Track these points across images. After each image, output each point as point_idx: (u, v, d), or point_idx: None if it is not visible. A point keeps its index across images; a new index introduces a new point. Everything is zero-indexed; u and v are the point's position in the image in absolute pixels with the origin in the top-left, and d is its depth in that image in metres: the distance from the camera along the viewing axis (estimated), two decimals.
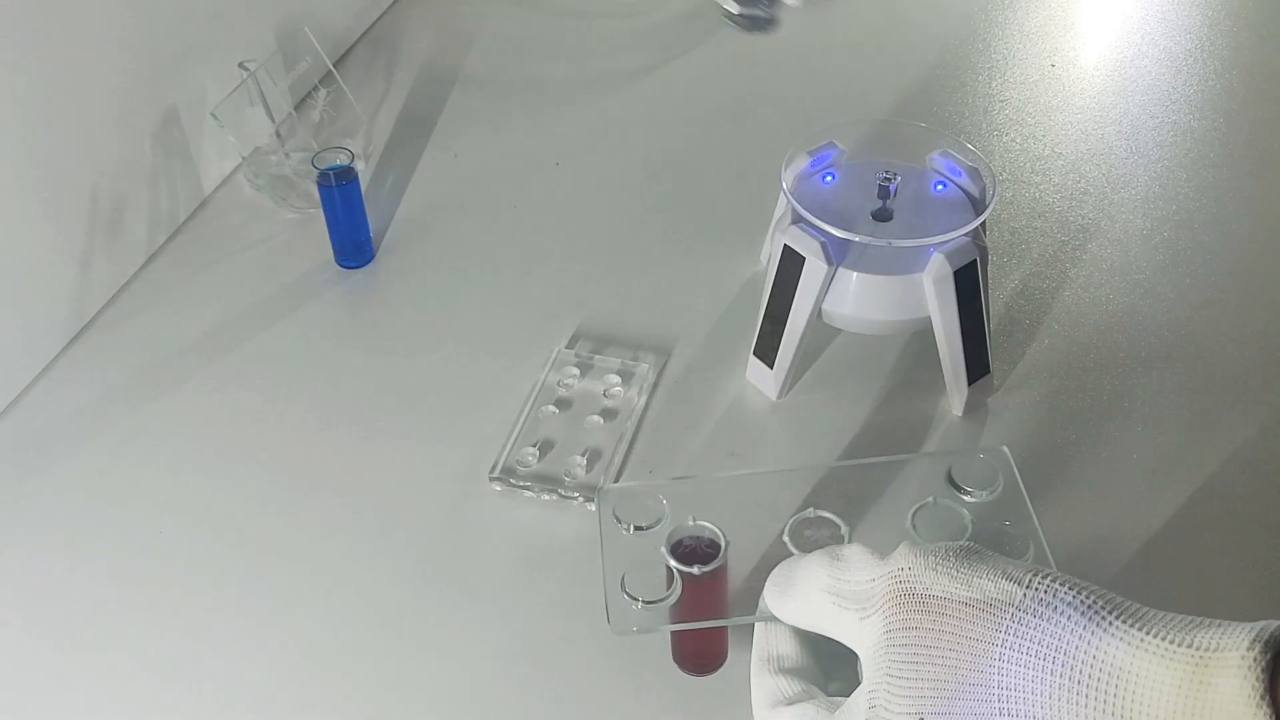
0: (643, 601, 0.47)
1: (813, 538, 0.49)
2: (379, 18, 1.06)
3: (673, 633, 0.51)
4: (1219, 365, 0.71)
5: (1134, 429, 0.67)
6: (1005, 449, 0.52)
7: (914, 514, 0.49)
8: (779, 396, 0.69)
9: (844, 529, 0.49)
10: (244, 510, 0.64)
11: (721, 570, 0.48)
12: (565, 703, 0.55)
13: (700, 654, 0.51)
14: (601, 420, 0.68)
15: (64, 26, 0.70)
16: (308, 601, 0.60)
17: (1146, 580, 0.59)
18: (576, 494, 0.64)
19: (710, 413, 0.69)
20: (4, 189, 0.67)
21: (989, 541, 0.47)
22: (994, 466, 0.51)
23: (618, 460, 0.66)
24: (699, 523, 0.49)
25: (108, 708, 0.56)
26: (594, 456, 0.66)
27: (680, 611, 0.48)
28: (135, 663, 0.57)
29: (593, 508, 0.63)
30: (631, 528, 0.50)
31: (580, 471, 0.65)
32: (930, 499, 0.50)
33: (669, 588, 0.48)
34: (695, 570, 0.47)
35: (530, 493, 0.64)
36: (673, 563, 0.48)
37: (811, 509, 0.49)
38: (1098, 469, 0.65)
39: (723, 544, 0.48)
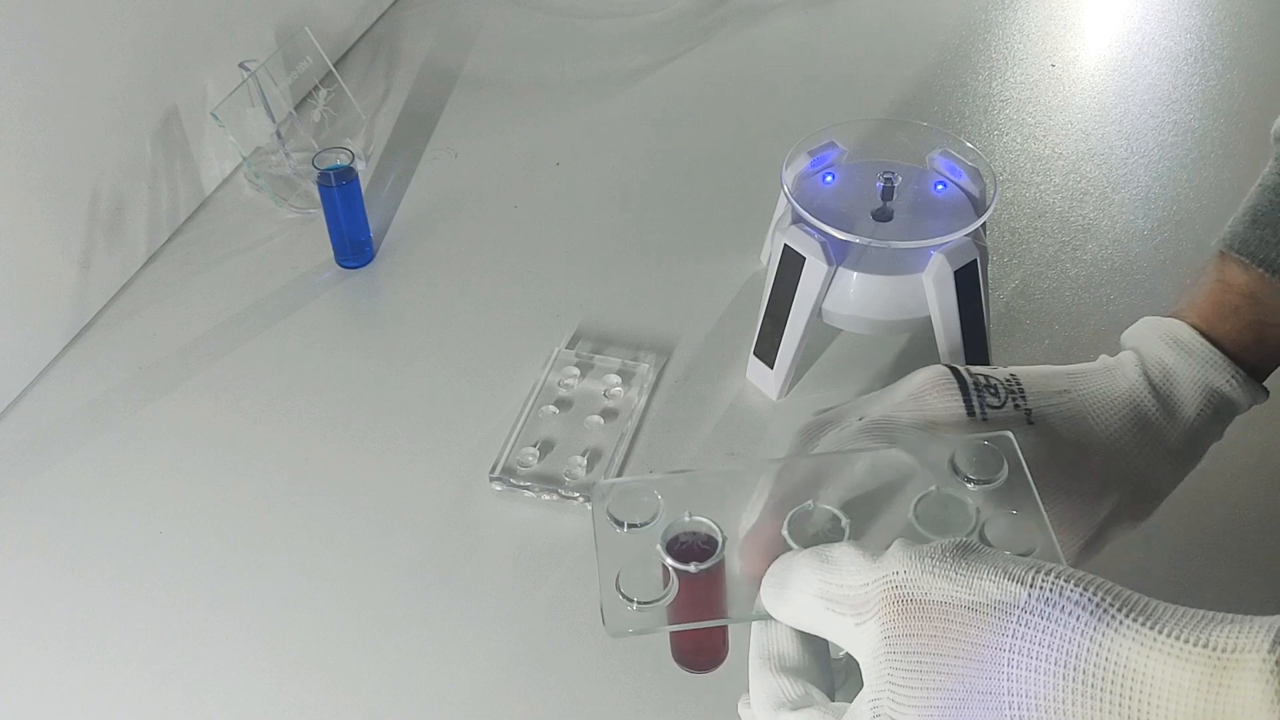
0: (638, 602, 0.46)
1: (813, 531, 0.47)
2: (379, 18, 1.06)
3: (671, 631, 0.50)
4: None
5: None
6: (1010, 434, 0.50)
7: (916, 504, 0.48)
8: (779, 396, 0.69)
9: (844, 521, 0.47)
10: (244, 510, 0.64)
11: (719, 568, 0.47)
12: (565, 702, 0.55)
13: (699, 652, 0.51)
14: (602, 420, 0.68)
15: (65, 27, 0.70)
16: (307, 601, 0.60)
17: (1147, 568, 0.59)
18: (576, 494, 0.64)
19: (710, 413, 0.69)
20: (4, 189, 0.67)
21: (997, 531, 0.45)
22: (998, 453, 0.49)
23: (618, 460, 0.66)
24: (695, 518, 0.47)
25: (107, 707, 0.56)
26: (594, 456, 0.66)
27: (678, 610, 0.46)
28: (134, 662, 0.57)
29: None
30: (626, 525, 0.49)
31: (580, 471, 0.65)
32: (933, 488, 0.48)
33: (665, 586, 0.46)
34: (692, 568, 0.46)
35: (530, 493, 0.64)
36: (668, 560, 0.46)
37: (811, 500, 0.48)
38: None
39: (720, 540, 0.47)
